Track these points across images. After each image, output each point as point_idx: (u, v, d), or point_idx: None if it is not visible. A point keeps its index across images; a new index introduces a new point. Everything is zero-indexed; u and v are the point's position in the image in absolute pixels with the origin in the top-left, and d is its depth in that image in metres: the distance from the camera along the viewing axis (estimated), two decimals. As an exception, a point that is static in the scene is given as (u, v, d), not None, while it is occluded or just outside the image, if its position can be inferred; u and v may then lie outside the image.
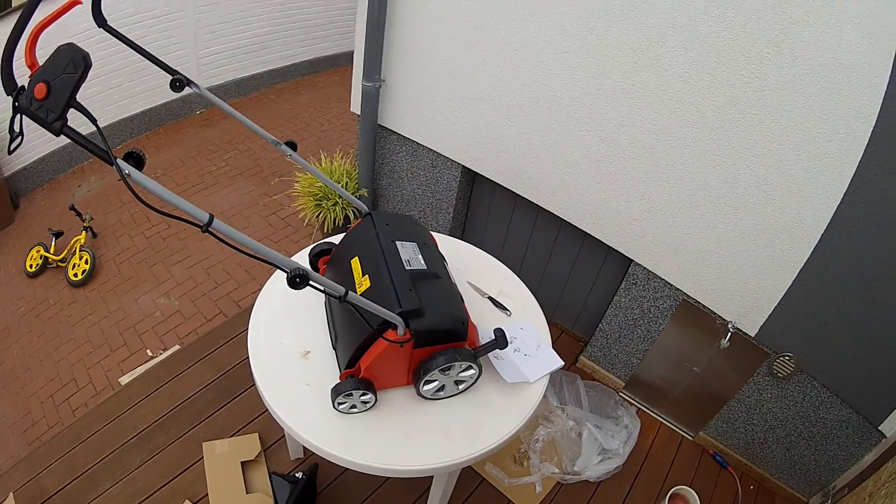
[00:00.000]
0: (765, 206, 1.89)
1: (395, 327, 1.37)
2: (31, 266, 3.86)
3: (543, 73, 2.22)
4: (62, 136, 0.83)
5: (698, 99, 1.87)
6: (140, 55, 1.30)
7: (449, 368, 1.46)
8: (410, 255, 1.57)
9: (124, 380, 3.10)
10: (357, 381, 1.44)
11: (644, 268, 2.37)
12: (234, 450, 2.40)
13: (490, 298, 1.89)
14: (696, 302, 2.26)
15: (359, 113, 3.02)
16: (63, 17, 0.94)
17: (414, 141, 2.97)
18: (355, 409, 1.49)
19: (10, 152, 0.80)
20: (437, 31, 2.49)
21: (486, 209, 3.08)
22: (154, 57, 1.32)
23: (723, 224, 2.03)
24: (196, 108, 5.57)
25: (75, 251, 3.82)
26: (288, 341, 1.68)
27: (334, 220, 3.34)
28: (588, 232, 2.47)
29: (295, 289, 1.08)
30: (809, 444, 2.28)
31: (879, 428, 2.03)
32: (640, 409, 2.72)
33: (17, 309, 3.68)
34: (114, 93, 4.83)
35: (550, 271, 2.93)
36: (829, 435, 2.20)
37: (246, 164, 4.96)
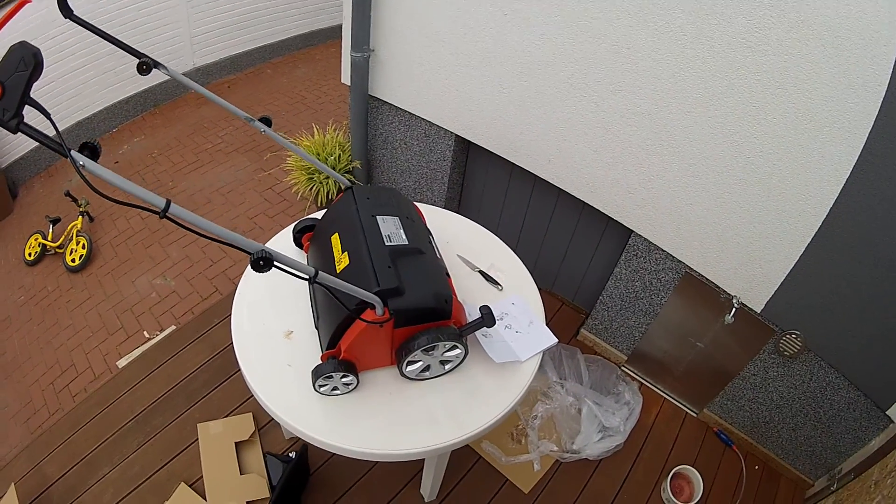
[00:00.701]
0: (770, 177, 1.82)
1: (373, 307, 1.33)
2: (29, 254, 3.90)
3: (535, 37, 2.14)
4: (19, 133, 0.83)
5: (698, 64, 1.79)
6: (107, 41, 1.29)
7: (432, 349, 1.43)
8: (391, 230, 1.54)
9: (122, 363, 3.13)
10: (337, 363, 1.41)
11: (644, 239, 2.31)
12: (228, 430, 2.42)
13: (480, 272, 1.85)
14: (700, 275, 2.20)
15: (349, 84, 2.97)
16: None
17: (406, 111, 2.92)
18: (337, 392, 1.47)
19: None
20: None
21: (481, 179, 3.03)
22: (118, 41, 1.30)
23: (726, 195, 1.95)
24: (184, 84, 5.53)
25: (72, 237, 3.85)
26: (272, 322, 1.66)
27: (327, 193, 3.33)
28: (586, 201, 2.41)
29: (259, 272, 1.05)
30: (816, 425, 2.23)
31: (888, 413, 1.97)
32: (642, 384, 2.69)
33: (17, 298, 3.73)
34: (107, 77, 4.82)
35: (549, 242, 2.88)
36: (836, 417, 2.14)
37: (241, 140, 4.94)
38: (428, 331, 1.40)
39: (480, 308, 1.47)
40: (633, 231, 2.34)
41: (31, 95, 0.84)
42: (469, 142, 2.76)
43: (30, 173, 4.75)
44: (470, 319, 1.50)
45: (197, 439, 2.43)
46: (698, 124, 1.89)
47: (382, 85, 2.92)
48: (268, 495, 2.21)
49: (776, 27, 1.59)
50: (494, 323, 1.47)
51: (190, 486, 2.30)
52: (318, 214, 1.84)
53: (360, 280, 1.35)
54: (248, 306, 1.72)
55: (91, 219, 4.12)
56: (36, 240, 3.90)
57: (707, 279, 2.18)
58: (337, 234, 1.58)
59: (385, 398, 1.49)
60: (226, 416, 2.52)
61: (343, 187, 1.79)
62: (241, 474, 2.27)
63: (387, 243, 1.49)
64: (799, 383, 2.17)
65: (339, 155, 3.35)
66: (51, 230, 3.93)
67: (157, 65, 1.32)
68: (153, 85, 5.19)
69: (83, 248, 3.80)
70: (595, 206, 2.39)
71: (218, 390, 2.65)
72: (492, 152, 2.64)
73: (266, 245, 1.85)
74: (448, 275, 1.59)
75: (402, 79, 2.81)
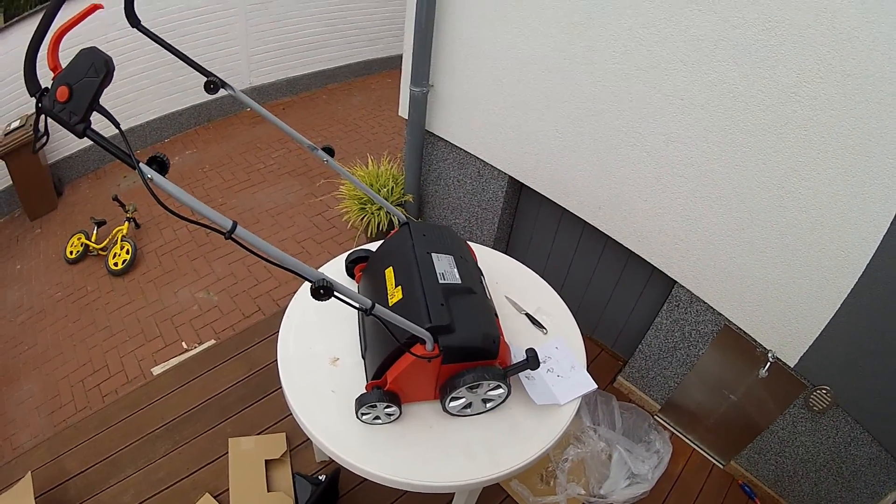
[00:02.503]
0: (811, 233, 1.90)
1: (423, 342, 1.42)
2: (71, 252, 4.16)
3: (592, 84, 2.29)
4: (85, 137, 0.88)
5: (748, 116, 1.91)
6: (175, 56, 1.35)
7: (477, 386, 1.51)
8: (445, 268, 1.63)
9: (157, 370, 3.30)
10: (382, 393, 1.49)
11: (687, 290, 2.39)
12: (259, 447, 2.53)
13: (527, 315, 1.94)
14: (738, 328, 2.27)
15: (406, 118, 3.16)
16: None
17: (461, 148, 3.08)
18: (379, 421, 1.55)
19: (34, 151, 0.88)
20: (485, 37, 2.59)
21: (531, 221, 3.16)
22: (188, 58, 1.38)
23: (768, 249, 2.04)
24: (246, 105, 5.85)
25: (117, 241, 4.11)
26: (318, 347, 1.76)
27: (378, 224, 3.45)
28: (633, 250, 2.51)
29: (318, 300, 1.11)
30: (837, 479, 2.25)
31: None
32: (673, 433, 2.73)
33: (54, 293, 3.97)
34: (163, 87, 5.17)
35: (594, 287, 2.98)
36: (857, 472, 2.17)
37: (294, 163, 5.19)
38: (475, 369, 1.49)
39: (526, 350, 1.55)
40: (676, 282, 2.43)
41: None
42: (521, 184, 2.89)
43: (77, 173, 5.08)
44: (514, 360, 1.59)
45: (226, 453, 2.54)
46: (745, 177, 2.00)
47: (439, 121, 3.09)
48: (293, 515, 2.31)
49: (823, 81, 1.70)
50: (539, 366, 1.56)
51: (215, 497, 2.40)
52: (372, 246, 1.97)
53: (413, 315, 1.43)
54: (296, 329, 1.82)
55: (137, 225, 4.38)
56: (79, 239, 4.16)
57: (745, 332, 2.25)
58: (392, 267, 1.68)
59: (424, 430, 1.57)
60: (258, 434, 2.63)
61: (399, 222, 1.91)
62: (268, 491, 2.37)
63: (440, 281, 1.58)
64: (825, 438, 2.21)
65: (392, 187, 3.49)
66: (95, 231, 4.19)
67: (224, 85, 1.37)
68: (209, 100, 5.51)
69: (127, 253, 4.04)
70: (641, 255, 2.49)
71: (253, 408, 2.77)
72: (543, 196, 2.77)
73: (319, 270, 1.99)
74: (496, 315, 1.68)
75: (458, 116, 2.97)
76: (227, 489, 2.42)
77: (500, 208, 3.10)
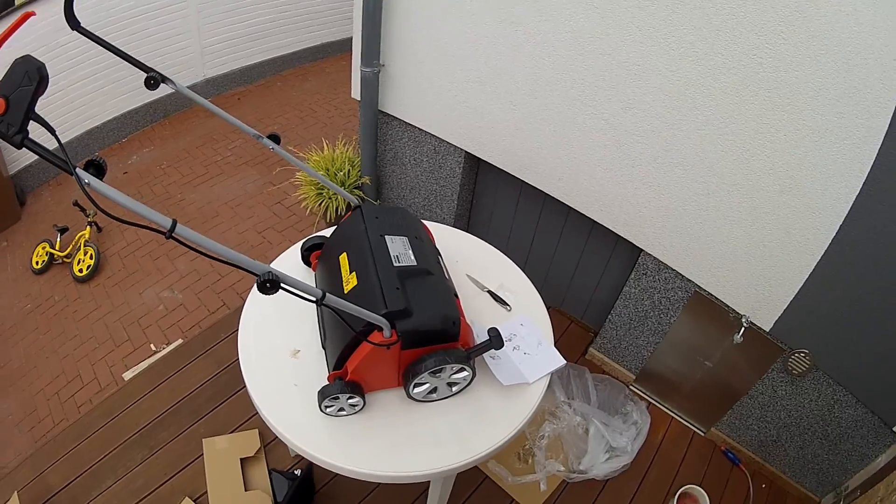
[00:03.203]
0: (780, 195, 1.84)
1: (380, 329, 1.35)
2: (37, 263, 3.98)
3: (545, 53, 2.19)
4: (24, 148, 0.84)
5: (709, 80, 1.83)
6: (116, 55, 1.32)
7: (440, 371, 1.44)
8: (400, 250, 1.56)
9: (128, 375, 3.18)
10: (344, 384, 1.42)
11: (654, 258, 2.34)
12: (233, 446, 2.45)
13: (489, 292, 1.86)
14: (709, 294, 2.23)
15: (359, 99, 3.03)
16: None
17: (416, 126, 2.97)
18: (343, 412, 1.48)
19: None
20: (434, 12, 2.48)
21: (491, 196, 3.08)
22: (129, 56, 1.34)
23: (736, 212, 1.98)
24: (202, 97, 5.64)
25: (80, 246, 3.92)
26: (278, 340, 1.68)
27: (336, 209, 3.36)
28: (596, 220, 2.44)
29: (265, 294, 1.06)
30: (823, 443, 2.24)
31: (894, 429, 1.99)
32: (651, 403, 2.71)
33: (24, 306, 3.79)
34: (118, 86, 4.92)
35: (559, 260, 2.92)
36: (843, 434, 2.16)
37: (251, 152, 5.01)
38: (436, 353, 1.42)
39: (489, 330, 1.49)
40: (642, 250, 2.37)
41: (37, 110, 0.83)
42: (479, 159, 2.80)
43: (38, 181, 4.84)
44: (478, 340, 1.52)
45: (202, 454, 2.46)
46: (708, 141, 1.93)
47: (392, 100, 2.98)
48: (272, 512, 2.25)
49: (787, 42, 1.62)
50: (503, 345, 1.49)
51: (194, 500, 2.34)
52: (327, 232, 1.87)
53: (368, 301, 1.37)
54: (255, 324, 1.74)
55: (99, 229, 4.19)
56: (43, 248, 3.98)
57: (716, 298, 2.21)
58: (345, 253, 1.60)
59: (391, 419, 1.51)
60: (231, 432, 2.55)
61: (352, 206, 1.82)
62: (245, 490, 2.30)
63: (395, 264, 1.50)
64: (807, 402, 2.19)
65: (349, 171, 3.39)
66: (58, 239, 4.01)
67: (164, 79, 1.33)
68: (163, 96, 5.28)
69: (91, 258, 3.87)
70: (605, 224, 2.42)
71: (224, 406, 2.69)
72: (501, 170, 2.68)
73: (275, 261, 1.89)
74: (456, 296, 1.61)
75: (411, 94, 2.86)
76: (206, 491, 2.35)
77: (459, 184, 3.02)
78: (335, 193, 3.32)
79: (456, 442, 1.47)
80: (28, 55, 0.82)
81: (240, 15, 5.44)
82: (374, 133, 3.18)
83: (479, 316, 1.75)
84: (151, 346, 3.40)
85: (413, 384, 1.46)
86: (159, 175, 4.86)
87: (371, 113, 3.02)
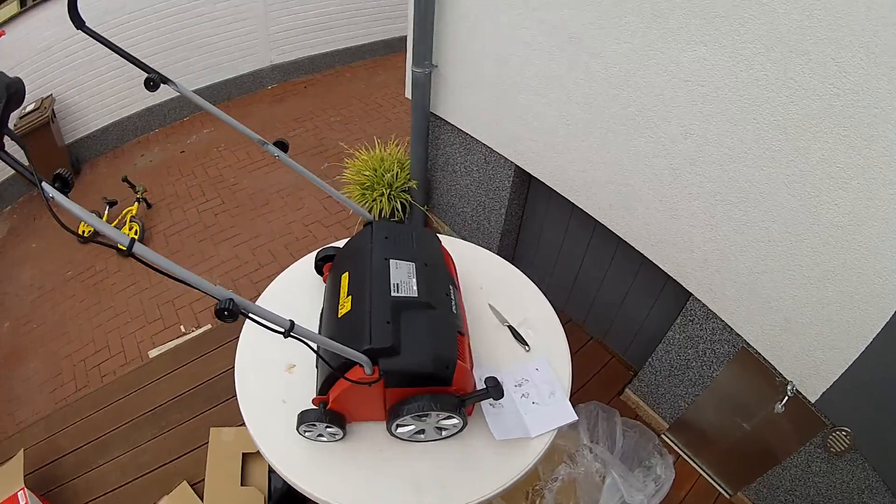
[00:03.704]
0: (847, 252, 1.69)
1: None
2: (83, 232, 4.25)
3: (601, 66, 2.12)
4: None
5: (779, 109, 1.70)
6: (118, 55, 1.37)
7: (425, 416, 1.39)
8: (402, 278, 1.51)
9: (153, 353, 3.35)
10: (323, 413, 1.40)
11: (703, 304, 2.23)
12: (239, 439, 2.52)
13: (510, 327, 1.79)
14: (757, 353, 2.09)
15: (410, 99, 3.07)
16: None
17: (467, 133, 2.97)
18: (323, 439, 1.47)
19: None
20: (488, 14, 2.47)
21: (541, 215, 3.04)
22: (130, 56, 1.38)
23: (797, 267, 1.84)
24: (268, 83, 5.90)
25: (126, 221, 4.18)
26: (276, 353, 1.67)
27: (380, 211, 3.40)
28: (645, 255, 2.36)
29: (224, 321, 1.04)
30: None
31: None
32: (680, 455, 2.59)
33: (65, 272, 4.07)
34: (182, 66, 5.24)
35: (606, 290, 2.84)
36: None
37: (310, 142, 5.18)
38: (422, 396, 1.36)
39: (486, 380, 1.41)
40: (691, 294, 2.26)
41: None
42: (530, 175, 2.77)
43: (95, 152, 5.20)
44: (487, 380, 1.43)
45: (207, 442, 2.56)
46: (774, 180, 1.80)
47: (444, 103, 3.00)
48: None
49: (869, 75, 1.48)
50: (501, 396, 1.42)
51: (192, 485, 2.43)
52: (342, 243, 1.85)
53: (354, 332, 1.36)
54: (257, 331, 1.75)
55: (149, 205, 4.45)
56: (92, 218, 4.27)
57: (764, 359, 2.07)
58: (348, 273, 1.58)
59: (373, 454, 1.47)
60: (240, 425, 2.64)
61: (368, 219, 1.81)
62: (241, 485, 2.36)
63: (393, 293, 1.45)
64: (839, 482, 2.03)
65: (398, 172, 3.42)
66: (106, 212, 4.28)
67: (166, 81, 1.37)
68: (229, 78, 5.59)
69: (135, 233, 4.10)
70: (654, 260, 2.33)
71: (236, 399, 2.79)
72: (553, 189, 2.63)
73: (298, 263, 1.89)
74: (462, 333, 1.52)
75: (463, 99, 2.87)
76: (203, 479, 2.43)
77: (508, 199, 2.99)
78: (380, 195, 3.38)
79: (437, 488, 1.42)
80: (0, 72, 0.91)
81: (308, 3, 5.65)
82: (425, 136, 3.22)
83: (492, 352, 1.69)
84: (181, 327, 3.56)
85: (395, 424, 1.42)
86: (215, 157, 5.10)
87: (422, 115, 3.06)
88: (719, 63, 1.79)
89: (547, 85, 2.39)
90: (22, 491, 2.24)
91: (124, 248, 0.92)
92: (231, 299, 1.03)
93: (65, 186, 0.98)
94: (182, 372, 2.98)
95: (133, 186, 4.29)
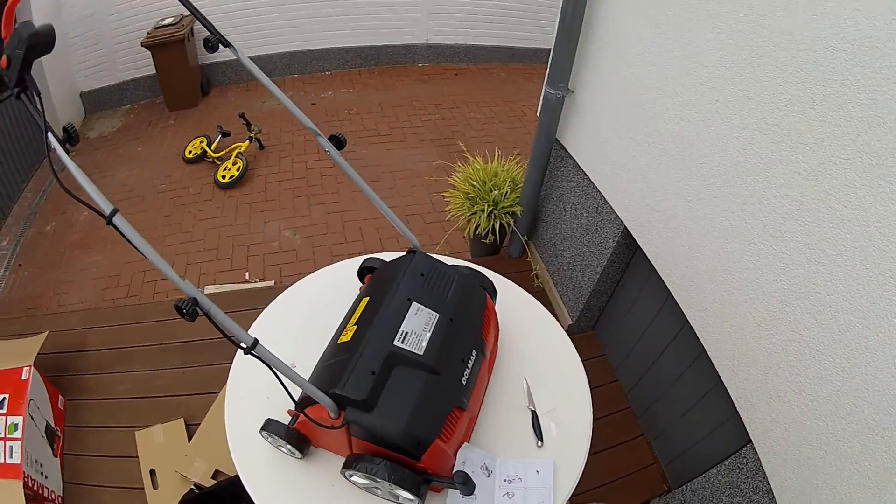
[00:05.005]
0: None
1: None
2: (189, 152, 4.83)
3: (739, 146, 1.98)
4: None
5: None
6: (186, 8, 1.54)
7: (376, 480, 1.40)
8: (416, 327, 1.49)
9: (209, 289, 3.72)
10: (284, 430, 1.46)
11: (758, 458, 2.09)
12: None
13: (533, 413, 1.73)
14: None
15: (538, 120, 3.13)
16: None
17: (586, 173, 2.99)
18: (283, 450, 1.54)
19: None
20: (633, 49, 2.46)
21: (637, 290, 3.00)
22: (202, 16, 1.59)
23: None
24: (419, 61, 6.27)
25: (232, 155, 4.66)
26: (285, 345, 1.68)
27: (476, 227, 3.52)
28: (721, 378, 2.25)
29: (182, 318, 1.10)
30: None
31: None
32: None
33: (160, 185, 4.61)
34: (331, 20, 5.80)
35: (674, 393, 2.75)
36: None
37: (441, 131, 5.43)
38: (380, 462, 1.36)
39: (456, 474, 1.38)
40: (751, 442, 2.14)
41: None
42: (637, 245, 2.72)
43: (227, 80, 5.82)
44: (457, 474, 1.39)
45: (219, 391, 2.81)
46: None
47: (571, 134, 3.03)
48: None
49: None
50: (470, 493, 1.40)
51: (187, 425, 2.74)
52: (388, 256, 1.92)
53: (336, 368, 1.39)
54: (278, 316, 1.94)
55: (261, 146, 4.91)
56: (201, 142, 4.81)
57: None
58: (368, 298, 1.61)
59: (325, 487, 1.52)
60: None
61: (409, 249, 1.83)
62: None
63: (395, 342, 1.44)
64: None
65: (507, 192, 3.50)
66: (217, 140, 4.79)
67: (227, 44, 1.56)
68: (382, 45, 6.02)
69: (238, 170, 4.56)
70: (728, 387, 2.22)
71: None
72: (654, 268, 2.59)
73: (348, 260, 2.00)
74: (463, 407, 1.49)
75: (591, 134, 2.88)
76: (199, 424, 2.71)
77: (608, 259, 2.98)
78: (481, 210, 3.48)
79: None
80: (28, 21, 1.06)
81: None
82: (545, 163, 3.29)
83: (499, 433, 1.66)
84: (246, 274, 3.91)
85: (349, 473, 1.44)
86: (344, 119, 5.51)
87: (545, 140, 3.13)
88: (884, 185, 1.52)
89: (677, 147, 2.31)
90: (28, 367, 2.63)
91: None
92: (195, 299, 1.09)
93: (70, 139, 1.15)
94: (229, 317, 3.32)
95: (248, 124, 4.73)
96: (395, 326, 1.47)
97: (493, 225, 3.54)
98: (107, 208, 1.05)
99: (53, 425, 2.73)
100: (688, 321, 2.43)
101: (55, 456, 2.66)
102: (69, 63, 5.34)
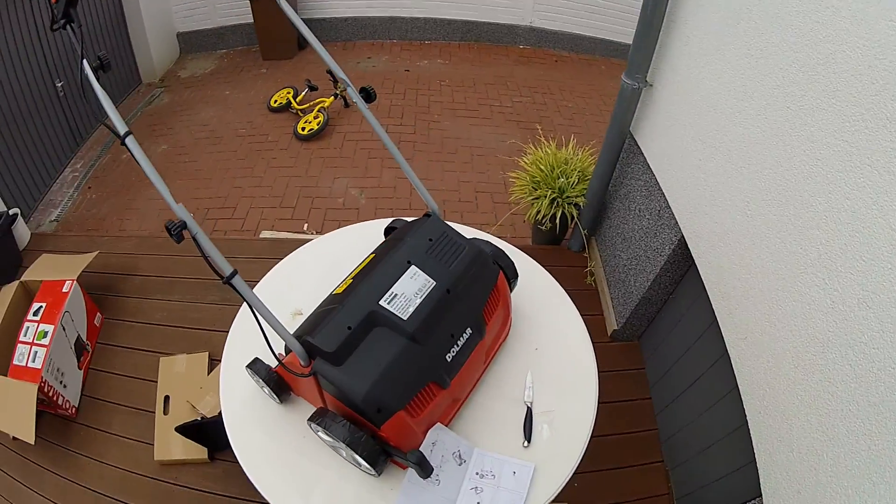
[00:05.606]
0: None
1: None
2: (274, 101, 4.95)
3: (806, 156, 1.76)
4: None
5: None
6: None
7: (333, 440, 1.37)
8: (407, 291, 1.44)
9: (264, 234, 3.82)
10: (267, 372, 1.49)
11: None
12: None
13: (528, 409, 1.63)
14: None
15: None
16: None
17: (654, 173, 2.82)
18: (265, 391, 1.56)
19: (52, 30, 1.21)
20: (713, 45, 2.27)
21: (686, 307, 2.80)
22: None
23: None
24: (520, 42, 6.16)
25: (314, 109, 4.74)
26: (290, 295, 1.81)
27: (537, 212, 3.44)
28: (748, 417, 2.03)
29: (171, 237, 1.15)
30: None
31: None
32: None
33: (240, 129, 4.76)
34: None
35: (701, 424, 2.56)
36: None
37: (529, 114, 5.33)
38: (341, 421, 1.32)
39: (410, 453, 1.34)
40: (761, 495, 1.91)
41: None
42: (692, 259, 2.52)
43: (328, 37, 5.92)
44: (411, 454, 1.35)
45: (249, 332, 2.94)
46: None
47: (645, 129, 2.89)
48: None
49: None
50: (427, 476, 1.36)
51: (210, 360, 2.82)
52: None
53: (318, 317, 1.39)
54: (298, 266, 2.02)
55: (346, 104, 4.97)
56: (287, 93, 4.93)
57: None
58: (374, 255, 1.59)
59: (297, 439, 1.54)
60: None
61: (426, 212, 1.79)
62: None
63: (381, 301, 1.40)
64: None
65: (575, 182, 3.41)
66: (303, 93, 4.90)
67: None
68: (484, 21, 5.96)
69: (318, 124, 4.64)
70: (751, 427, 2.00)
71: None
72: (704, 285, 2.39)
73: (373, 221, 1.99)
74: (441, 385, 1.43)
75: (663, 133, 2.73)
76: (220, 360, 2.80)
77: (661, 267, 2.79)
78: (543, 195, 3.39)
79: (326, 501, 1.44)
80: None
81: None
82: (616, 156, 3.15)
83: (485, 424, 1.60)
84: (305, 225, 3.98)
85: (314, 426, 1.41)
86: (434, 89, 5.49)
87: (618, 132, 2.99)
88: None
89: (743, 157, 2.11)
90: (71, 281, 2.76)
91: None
92: (184, 223, 1.15)
93: (101, 67, 1.25)
94: (269, 264, 3.37)
95: (334, 81, 4.79)
96: (385, 286, 1.44)
97: (556, 212, 3.43)
98: (122, 129, 1.15)
99: (85, 339, 2.85)
100: (727, 351, 2.22)
101: (79, 368, 2.80)
102: (169, 2, 5.56)
